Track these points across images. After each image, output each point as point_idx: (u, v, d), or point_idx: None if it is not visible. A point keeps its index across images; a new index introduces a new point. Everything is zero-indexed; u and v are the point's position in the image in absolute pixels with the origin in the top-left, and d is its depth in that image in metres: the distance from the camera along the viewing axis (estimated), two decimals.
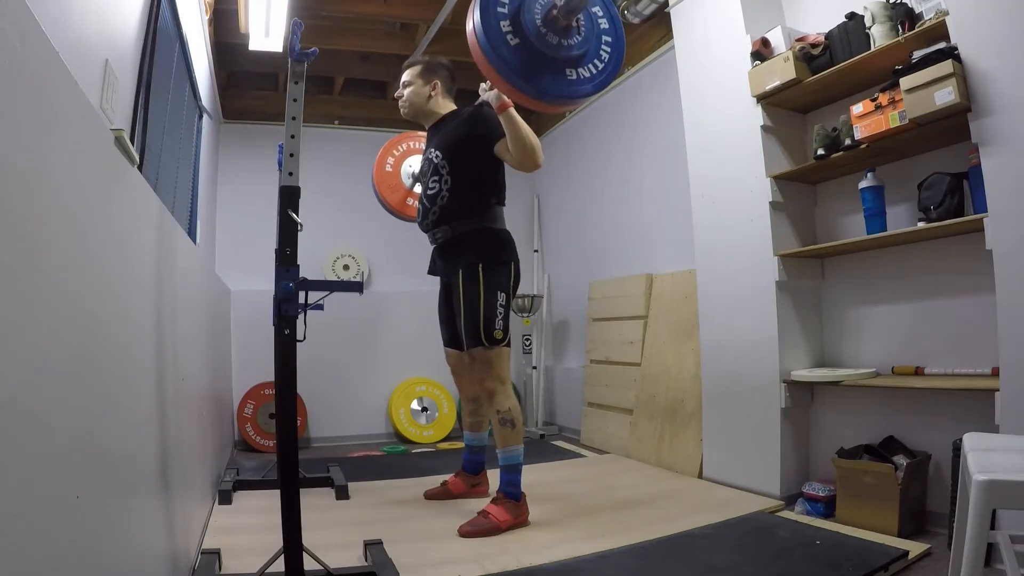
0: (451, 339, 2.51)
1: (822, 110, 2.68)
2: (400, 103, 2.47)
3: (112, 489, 0.96)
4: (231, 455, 3.68)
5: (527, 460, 2.47)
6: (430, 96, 2.42)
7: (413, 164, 2.92)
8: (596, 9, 1.83)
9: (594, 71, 1.76)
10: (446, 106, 2.44)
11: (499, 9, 1.64)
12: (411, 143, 2.95)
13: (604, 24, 1.83)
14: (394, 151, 2.94)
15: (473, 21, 1.64)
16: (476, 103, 2.30)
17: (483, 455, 2.60)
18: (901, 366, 2.31)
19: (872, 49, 2.20)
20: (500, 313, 2.22)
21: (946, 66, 1.90)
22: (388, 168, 2.91)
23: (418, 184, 2.67)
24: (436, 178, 2.33)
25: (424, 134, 2.62)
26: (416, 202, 2.75)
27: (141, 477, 1.17)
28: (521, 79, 1.65)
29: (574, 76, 1.72)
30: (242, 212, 4.29)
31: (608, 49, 1.81)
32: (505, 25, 1.64)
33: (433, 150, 2.37)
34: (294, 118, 1.59)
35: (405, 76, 2.47)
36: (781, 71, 2.47)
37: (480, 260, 2.24)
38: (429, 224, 2.36)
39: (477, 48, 1.64)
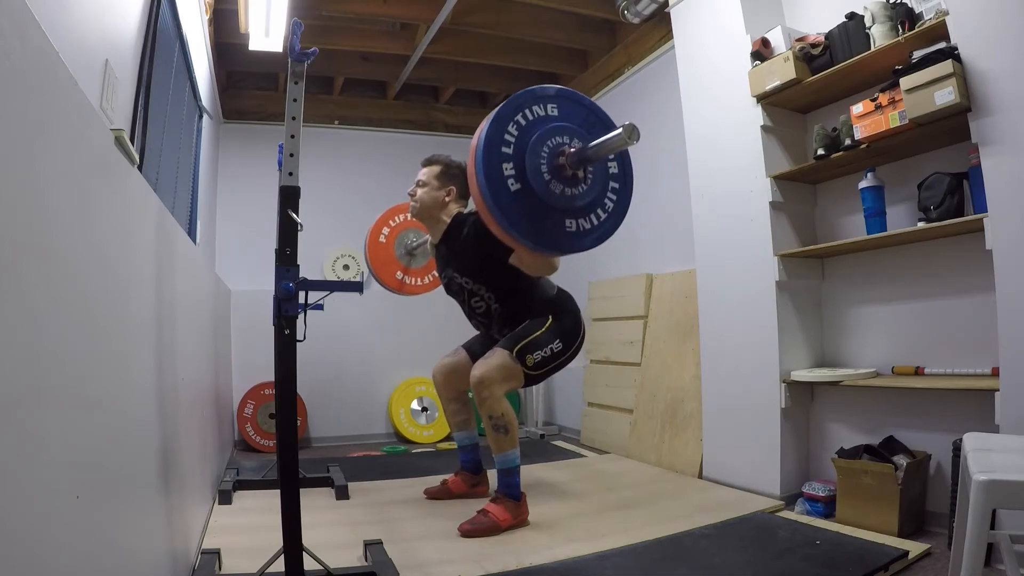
0: (473, 351, 2.49)
1: (822, 110, 2.68)
2: (411, 200, 2.42)
3: (112, 489, 0.96)
4: (231, 455, 3.68)
5: (527, 460, 2.48)
6: (444, 202, 2.38)
7: (409, 237, 2.86)
8: None
9: (595, 222, 1.66)
10: (453, 211, 2.40)
11: (504, 150, 1.54)
12: (407, 215, 2.85)
13: (613, 169, 1.72)
14: (390, 222, 2.85)
15: (475, 156, 1.54)
16: (472, 212, 2.28)
17: (478, 452, 2.60)
18: (901, 366, 2.31)
19: (872, 49, 2.20)
20: (546, 353, 2.23)
21: (946, 66, 1.90)
22: (382, 239, 2.83)
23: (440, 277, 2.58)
24: (476, 299, 2.35)
25: None
26: (410, 278, 2.82)
27: (141, 477, 1.17)
28: (517, 231, 1.56)
29: (574, 228, 1.63)
30: (242, 212, 4.29)
31: (614, 197, 1.71)
32: (508, 168, 1.54)
33: (455, 275, 2.37)
34: (294, 118, 1.59)
35: (422, 175, 2.42)
36: (781, 71, 2.47)
37: (550, 313, 2.30)
38: (498, 330, 2.38)
39: (475, 187, 1.55)
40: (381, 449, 3.96)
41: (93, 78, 1.31)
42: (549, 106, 1.63)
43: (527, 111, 1.59)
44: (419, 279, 2.91)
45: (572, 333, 2.32)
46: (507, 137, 1.56)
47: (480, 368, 2.17)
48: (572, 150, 1.59)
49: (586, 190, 1.64)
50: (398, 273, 2.85)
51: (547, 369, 2.26)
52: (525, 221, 1.57)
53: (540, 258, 2.02)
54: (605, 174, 1.70)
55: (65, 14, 1.13)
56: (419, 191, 2.40)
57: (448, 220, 2.38)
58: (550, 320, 2.29)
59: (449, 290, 2.48)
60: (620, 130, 1.49)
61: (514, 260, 2.13)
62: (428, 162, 2.45)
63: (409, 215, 2.53)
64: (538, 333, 2.25)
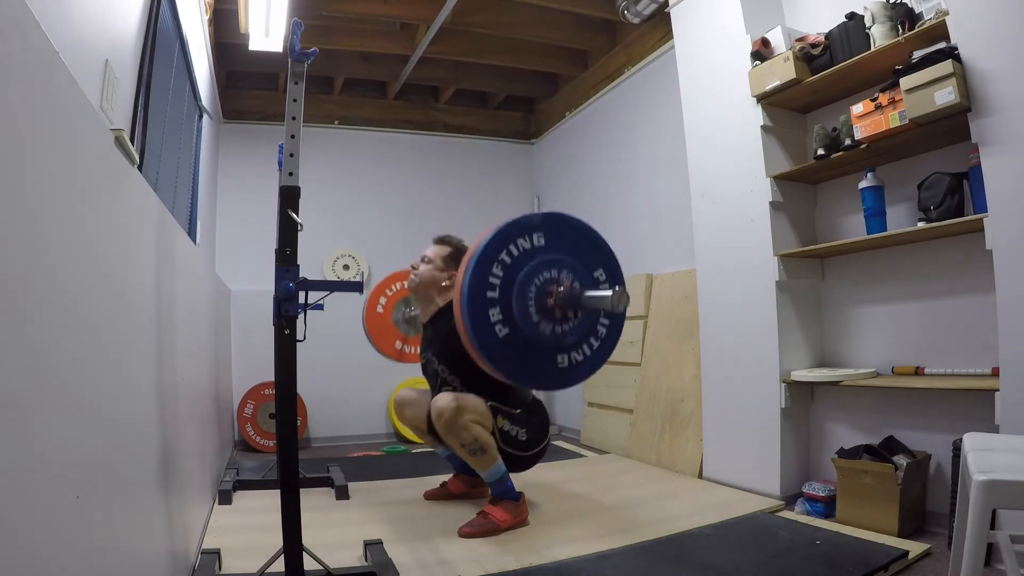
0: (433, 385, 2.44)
1: (822, 110, 2.68)
2: (412, 273, 2.41)
3: (111, 489, 0.96)
4: (231, 455, 3.68)
5: None
6: (443, 286, 2.36)
7: (408, 305, 2.89)
8: (599, 273, 1.66)
9: (588, 352, 1.63)
10: (448, 298, 2.35)
11: (490, 295, 1.52)
12: (403, 284, 2.86)
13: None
14: (386, 292, 2.89)
15: (461, 303, 1.52)
16: None
17: None
18: (901, 366, 2.31)
19: (872, 49, 2.20)
20: (513, 431, 2.18)
21: (946, 66, 1.90)
22: (379, 310, 2.87)
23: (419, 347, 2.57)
24: (448, 388, 2.31)
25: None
26: (404, 345, 2.86)
27: (141, 477, 1.17)
28: (506, 374, 1.57)
29: (565, 363, 1.61)
30: (242, 212, 4.29)
31: (606, 322, 1.66)
32: (495, 313, 1.52)
33: (433, 358, 2.34)
34: (294, 118, 1.59)
35: (429, 251, 2.41)
36: (781, 71, 2.47)
37: (522, 407, 2.27)
38: None
39: (463, 332, 1.53)
40: (381, 449, 3.96)
41: (93, 78, 1.31)
42: (535, 236, 1.59)
43: (512, 246, 1.56)
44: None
45: (538, 436, 2.27)
46: (492, 280, 1.53)
47: (444, 399, 2.10)
48: (561, 291, 1.55)
49: (576, 325, 1.60)
50: (397, 343, 2.88)
51: (508, 449, 2.17)
52: (514, 364, 1.56)
53: None
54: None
55: (65, 14, 1.13)
56: (422, 266, 2.38)
57: (441, 304, 2.37)
58: (522, 410, 2.25)
59: (425, 372, 2.45)
60: (610, 294, 1.46)
61: None
62: (440, 241, 2.44)
63: (405, 285, 2.52)
64: (511, 411, 2.21)
